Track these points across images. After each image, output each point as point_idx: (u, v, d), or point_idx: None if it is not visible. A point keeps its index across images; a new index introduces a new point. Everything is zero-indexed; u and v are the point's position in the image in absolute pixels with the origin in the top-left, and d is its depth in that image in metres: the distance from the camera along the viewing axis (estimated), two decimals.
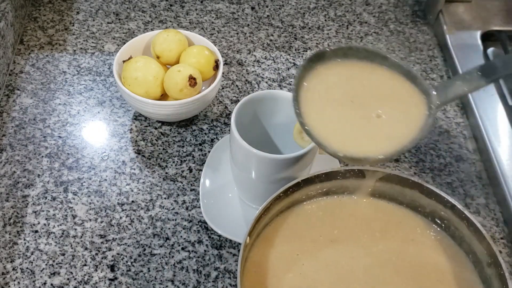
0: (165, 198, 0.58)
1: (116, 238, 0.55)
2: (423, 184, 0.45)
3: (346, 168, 0.46)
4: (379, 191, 0.47)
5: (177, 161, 0.61)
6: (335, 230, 0.46)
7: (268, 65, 0.72)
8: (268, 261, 0.44)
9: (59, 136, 0.62)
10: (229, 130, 0.64)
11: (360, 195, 0.48)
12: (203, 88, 0.65)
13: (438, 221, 0.46)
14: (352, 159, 0.40)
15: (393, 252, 0.45)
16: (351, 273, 0.44)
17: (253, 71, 0.71)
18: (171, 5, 0.79)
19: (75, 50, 0.72)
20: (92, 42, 0.73)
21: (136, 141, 0.63)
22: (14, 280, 0.51)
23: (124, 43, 0.65)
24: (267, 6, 0.80)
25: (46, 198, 0.57)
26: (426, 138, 0.65)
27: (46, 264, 0.52)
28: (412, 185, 0.46)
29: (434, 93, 0.42)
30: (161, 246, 0.54)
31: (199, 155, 0.62)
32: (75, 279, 0.52)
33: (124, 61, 0.61)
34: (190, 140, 0.63)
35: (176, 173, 0.60)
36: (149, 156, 0.61)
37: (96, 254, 0.53)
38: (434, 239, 0.46)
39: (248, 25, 0.77)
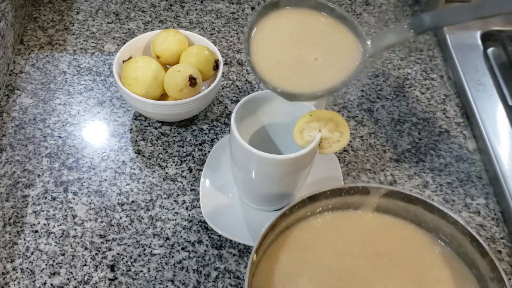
0: (165, 198, 0.58)
1: (116, 238, 0.55)
2: (426, 200, 0.46)
3: (350, 185, 0.47)
4: (384, 207, 0.48)
5: (177, 161, 0.61)
6: (339, 244, 0.46)
7: None
8: (274, 276, 0.44)
9: (59, 136, 0.62)
10: (229, 130, 0.64)
11: (364, 211, 0.48)
12: (203, 88, 0.65)
13: (442, 236, 0.46)
14: (288, 95, 0.45)
15: (397, 265, 0.45)
16: (355, 286, 0.44)
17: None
18: (171, 5, 0.79)
19: (75, 50, 0.72)
20: (92, 42, 0.73)
21: (136, 141, 0.63)
22: (14, 280, 0.51)
23: (124, 43, 0.65)
24: None
25: (46, 198, 0.57)
26: (426, 138, 0.65)
27: (46, 264, 0.52)
28: (415, 201, 0.46)
29: (370, 43, 0.47)
30: (161, 246, 0.54)
31: (199, 155, 0.62)
32: (75, 279, 0.52)
33: (124, 61, 0.61)
34: (190, 140, 0.63)
35: (176, 173, 0.60)
36: (149, 156, 0.61)
37: (96, 254, 0.53)
38: (438, 253, 0.46)
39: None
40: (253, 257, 0.42)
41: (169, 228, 0.56)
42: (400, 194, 0.46)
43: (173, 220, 0.56)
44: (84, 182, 0.59)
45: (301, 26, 0.48)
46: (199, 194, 0.57)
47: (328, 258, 0.46)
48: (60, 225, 0.55)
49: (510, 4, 0.45)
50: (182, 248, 0.54)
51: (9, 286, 0.51)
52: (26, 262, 0.52)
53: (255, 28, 0.47)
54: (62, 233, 0.55)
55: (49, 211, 0.56)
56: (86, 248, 0.54)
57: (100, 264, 0.53)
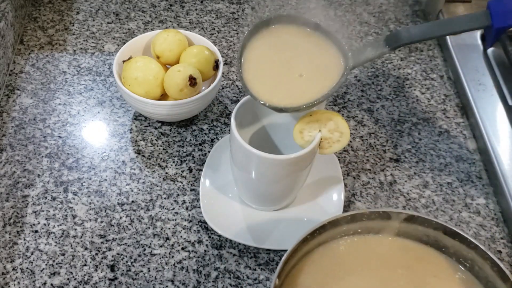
0: (165, 198, 0.58)
1: (116, 238, 0.55)
2: (446, 225, 0.46)
3: (371, 210, 0.47)
4: (404, 231, 0.48)
5: (177, 161, 0.61)
6: (359, 267, 0.47)
7: None
8: None
9: (59, 136, 0.62)
10: (229, 130, 0.64)
11: (385, 235, 0.49)
12: (203, 88, 0.65)
13: (462, 261, 0.47)
14: (274, 108, 0.49)
15: None
16: None
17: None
18: (171, 5, 0.79)
19: (75, 50, 0.72)
20: (92, 42, 0.73)
21: (136, 141, 0.63)
22: (14, 280, 0.51)
23: (124, 43, 0.65)
24: (267, 6, 0.80)
25: (46, 198, 0.57)
26: (426, 138, 0.65)
27: (46, 264, 0.52)
28: (435, 226, 0.47)
29: (350, 55, 0.50)
30: (161, 246, 0.54)
31: (199, 155, 0.62)
32: (75, 279, 0.52)
33: (124, 61, 0.61)
34: (190, 140, 0.63)
35: (176, 173, 0.60)
36: (149, 156, 0.61)
37: (96, 254, 0.53)
38: (458, 278, 0.46)
39: (248, 25, 0.77)
40: (275, 282, 0.42)
41: (169, 228, 0.56)
42: (420, 219, 0.47)
43: (173, 220, 0.56)
44: (84, 182, 0.59)
45: (289, 44, 0.51)
46: (199, 194, 0.57)
47: (348, 281, 0.46)
48: (60, 225, 0.55)
49: (475, 23, 0.50)
50: (182, 248, 0.54)
51: (9, 286, 0.51)
52: (26, 262, 0.52)
53: (248, 46, 0.51)
54: (62, 233, 0.55)
55: (49, 211, 0.56)
56: (86, 248, 0.54)
57: (100, 264, 0.53)
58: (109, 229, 0.55)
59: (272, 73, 0.50)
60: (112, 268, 0.53)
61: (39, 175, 0.59)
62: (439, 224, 0.46)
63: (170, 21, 0.77)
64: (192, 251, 0.54)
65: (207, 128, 0.64)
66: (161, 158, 0.61)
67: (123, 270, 0.52)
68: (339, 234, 0.48)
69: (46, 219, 0.56)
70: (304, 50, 0.51)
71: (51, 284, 0.51)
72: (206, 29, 0.76)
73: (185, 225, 0.56)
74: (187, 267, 0.53)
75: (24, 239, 0.54)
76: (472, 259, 0.46)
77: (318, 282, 0.46)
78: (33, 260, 0.53)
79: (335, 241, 0.48)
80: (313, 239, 0.46)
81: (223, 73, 0.67)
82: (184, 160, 0.61)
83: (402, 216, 0.47)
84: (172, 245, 0.54)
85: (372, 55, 0.51)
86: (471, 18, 0.51)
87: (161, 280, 0.52)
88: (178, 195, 0.58)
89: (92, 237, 0.54)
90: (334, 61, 0.50)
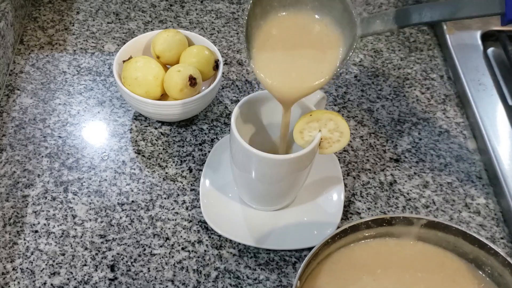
0: (165, 198, 0.58)
1: (116, 238, 0.55)
2: (466, 231, 0.46)
3: (392, 215, 0.47)
4: (424, 236, 0.48)
5: (177, 161, 0.61)
6: (378, 269, 0.47)
7: None
8: None
9: (59, 136, 0.62)
10: (229, 130, 0.64)
11: (405, 240, 0.49)
12: (203, 88, 0.65)
13: (482, 267, 0.47)
14: (288, 98, 0.49)
15: None
16: None
17: (253, 71, 0.71)
18: (171, 5, 0.79)
19: (75, 50, 0.72)
20: (92, 42, 0.73)
21: (136, 141, 0.63)
22: (14, 280, 0.51)
23: (124, 43, 0.65)
24: None
25: (46, 198, 0.57)
26: (426, 138, 0.65)
27: (46, 264, 0.52)
28: (455, 232, 0.47)
29: (359, 26, 0.48)
30: (161, 246, 0.54)
31: (199, 155, 0.62)
32: (75, 279, 0.52)
33: (124, 61, 0.61)
34: (190, 140, 0.63)
35: (176, 173, 0.60)
36: (149, 156, 0.61)
37: (96, 254, 0.53)
38: (477, 284, 0.46)
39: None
40: (297, 284, 0.43)
41: (169, 228, 0.56)
42: (440, 225, 0.47)
43: (173, 220, 0.56)
44: (84, 182, 0.59)
45: (299, 27, 0.50)
46: (199, 194, 0.57)
47: (366, 283, 0.46)
48: (60, 225, 0.55)
49: (487, 9, 0.46)
50: (182, 248, 0.54)
51: (9, 286, 0.51)
52: (26, 262, 0.52)
53: (257, 24, 0.50)
54: (62, 233, 0.55)
55: (49, 211, 0.56)
56: (86, 248, 0.54)
57: (100, 264, 0.53)
58: (109, 229, 0.55)
59: (279, 58, 0.50)
60: (112, 268, 0.53)
61: (39, 175, 0.59)
62: (459, 230, 0.47)
63: (170, 21, 0.77)
64: (192, 251, 0.54)
65: (207, 128, 0.64)
66: (161, 158, 0.61)
67: (123, 270, 0.52)
68: (360, 238, 0.48)
69: (46, 219, 0.56)
70: (311, 34, 0.50)
71: (51, 284, 0.51)
72: (206, 29, 0.76)
73: (185, 225, 0.56)
74: (187, 267, 0.53)
75: (24, 239, 0.54)
76: (491, 265, 0.46)
77: (338, 283, 0.46)
78: (33, 260, 0.53)
79: (355, 244, 0.48)
80: (334, 243, 0.46)
81: (223, 73, 0.67)
82: (184, 160, 0.61)
83: (423, 221, 0.47)
84: (172, 245, 0.54)
85: (380, 30, 0.49)
86: (484, 3, 0.46)
87: (161, 280, 0.52)
88: (178, 195, 0.58)
89: (92, 237, 0.54)
90: (341, 41, 0.49)
